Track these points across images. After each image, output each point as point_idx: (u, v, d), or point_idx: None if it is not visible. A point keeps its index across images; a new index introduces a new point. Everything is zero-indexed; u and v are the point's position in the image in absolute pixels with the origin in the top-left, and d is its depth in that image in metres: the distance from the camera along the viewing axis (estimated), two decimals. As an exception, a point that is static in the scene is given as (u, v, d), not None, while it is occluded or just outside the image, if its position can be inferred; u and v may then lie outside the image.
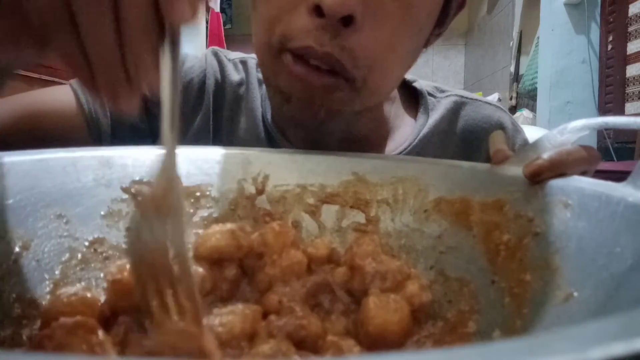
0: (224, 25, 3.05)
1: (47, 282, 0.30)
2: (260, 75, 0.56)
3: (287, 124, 0.52)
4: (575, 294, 0.24)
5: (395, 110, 0.55)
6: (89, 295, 0.28)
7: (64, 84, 0.52)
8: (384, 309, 0.28)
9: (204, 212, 0.36)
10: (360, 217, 0.37)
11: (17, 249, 0.30)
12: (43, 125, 0.49)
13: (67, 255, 0.32)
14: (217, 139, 0.54)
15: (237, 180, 0.38)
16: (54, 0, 0.23)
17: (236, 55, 0.58)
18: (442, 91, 0.58)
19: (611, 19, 1.97)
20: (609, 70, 1.98)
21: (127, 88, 0.24)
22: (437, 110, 0.56)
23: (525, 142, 0.58)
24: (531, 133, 0.62)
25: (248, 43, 0.44)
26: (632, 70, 1.83)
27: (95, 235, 0.33)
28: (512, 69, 2.57)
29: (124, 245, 0.34)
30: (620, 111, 1.87)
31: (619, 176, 0.28)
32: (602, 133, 1.86)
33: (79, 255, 0.32)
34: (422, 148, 0.53)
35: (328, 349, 0.26)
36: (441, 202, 0.35)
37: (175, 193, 0.23)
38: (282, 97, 0.42)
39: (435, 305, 0.31)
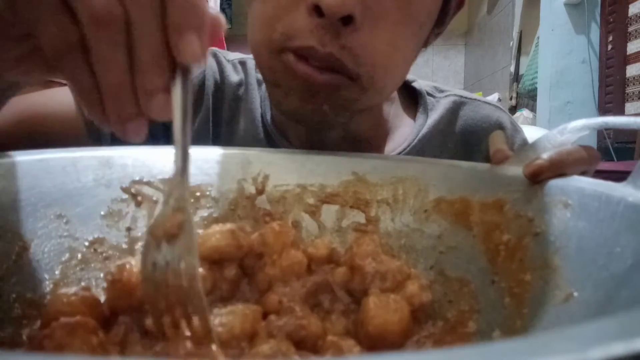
0: (224, 26, 3.05)
1: (47, 282, 0.30)
2: (259, 76, 0.56)
3: (287, 123, 0.52)
4: (575, 294, 0.24)
5: (394, 110, 0.55)
6: (88, 295, 0.28)
7: (64, 84, 0.52)
8: (384, 309, 0.27)
9: (204, 212, 0.36)
10: (360, 217, 0.37)
11: (17, 249, 0.30)
12: (43, 127, 0.49)
13: (67, 255, 0.32)
14: (216, 140, 0.54)
15: (237, 180, 0.38)
16: (66, 29, 0.23)
17: (235, 56, 0.58)
18: (441, 91, 0.58)
19: (611, 19, 1.97)
20: (609, 70, 1.98)
21: (136, 115, 0.24)
22: (436, 110, 0.56)
23: (525, 142, 0.58)
24: (531, 133, 0.62)
25: (248, 43, 0.44)
26: (632, 70, 1.83)
27: (95, 235, 0.33)
28: (512, 69, 2.56)
29: (124, 245, 0.34)
30: (620, 111, 1.87)
31: (619, 176, 0.28)
32: (602, 133, 1.86)
33: (79, 255, 0.32)
34: (422, 148, 0.53)
35: (328, 349, 0.26)
36: (441, 202, 0.35)
37: (185, 216, 0.23)
38: (282, 91, 0.42)
39: (435, 305, 0.31)
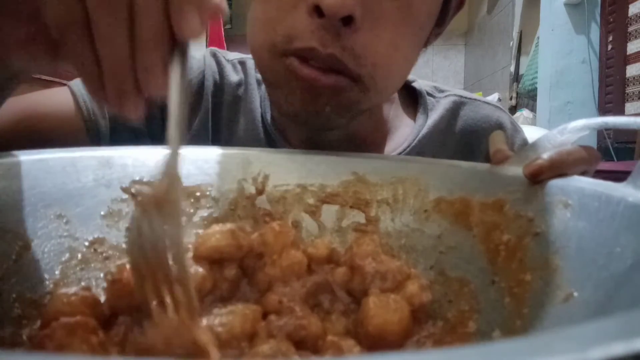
0: (224, 26, 3.05)
1: (47, 282, 0.30)
2: (259, 76, 0.55)
3: (287, 123, 0.52)
4: (575, 294, 0.24)
5: (394, 110, 0.55)
6: (88, 295, 0.28)
7: (64, 84, 0.52)
8: (384, 309, 0.27)
9: (204, 212, 0.36)
10: (360, 217, 0.37)
11: (17, 249, 0.30)
12: (41, 127, 0.49)
13: (67, 255, 0.32)
14: (216, 140, 0.54)
15: (237, 180, 0.38)
16: (72, 9, 0.24)
17: (235, 55, 0.58)
18: (441, 91, 0.58)
19: (611, 19, 1.97)
20: (609, 70, 1.98)
21: (135, 95, 0.25)
22: (436, 111, 0.56)
23: (525, 142, 0.58)
24: (531, 133, 0.62)
25: (248, 45, 0.44)
26: (632, 70, 1.83)
27: (95, 235, 0.33)
28: (512, 69, 2.56)
29: (124, 245, 0.34)
30: (620, 111, 1.87)
31: (619, 176, 0.28)
32: (602, 133, 1.86)
33: (79, 255, 0.32)
34: (421, 148, 0.53)
35: (328, 349, 0.26)
36: (441, 202, 0.35)
37: (176, 192, 0.23)
38: (283, 93, 0.42)
39: (435, 305, 0.31)
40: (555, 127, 0.35)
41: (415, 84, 0.58)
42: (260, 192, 0.38)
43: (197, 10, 0.24)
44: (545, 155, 0.32)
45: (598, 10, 2.04)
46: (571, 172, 0.31)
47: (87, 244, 0.33)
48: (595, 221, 0.26)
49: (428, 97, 0.57)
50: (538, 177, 0.31)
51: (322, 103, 0.40)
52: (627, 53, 1.85)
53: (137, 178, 0.35)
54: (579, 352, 0.10)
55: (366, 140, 0.51)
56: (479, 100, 0.58)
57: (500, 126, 0.56)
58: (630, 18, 1.84)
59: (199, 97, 0.54)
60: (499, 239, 0.31)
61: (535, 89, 2.24)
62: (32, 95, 0.52)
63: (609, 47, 1.98)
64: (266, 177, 0.38)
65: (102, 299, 0.29)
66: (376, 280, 0.30)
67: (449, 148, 0.55)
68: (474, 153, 0.55)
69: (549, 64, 2.12)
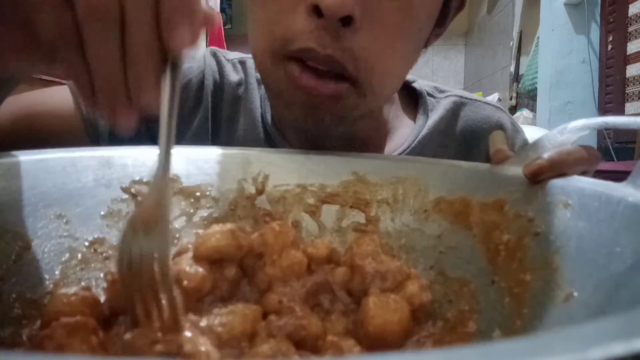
0: (224, 25, 3.05)
1: (47, 282, 0.30)
2: (259, 76, 0.55)
3: (287, 127, 0.52)
4: (575, 294, 0.24)
5: (394, 111, 0.55)
6: (88, 295, 0.28)
7: (64, 84, 0.52)
8: (384, 309, 0.27)
9: (204, 212, 0.36)
10: (360, 217, 0.37)
11: (17, 249, 0.30)
12: (41, 126, 0.49)
13: (67, 255, 0.32)
14: (216, 140, 0.54)
15: (237, 180, 0.38)
16: (62, 18, 0.23)
17: (235, 55, 0.58)
18: (442, 91, 0.58)
19: (611, 19, 1.97)
20: (609, 70, 1.98)
21: (127, 106, 0.25)
22: (437, 111, 0.56)
23: (525, 143, 0.58)
24: (531, 133, 0.62)
25: (248, 43, 0.44)
26: (632, 70, 1.83)
27: (95, 235, 0.33)
28: (512, 69, 2.56)
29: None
30: (620, 111, 1.87)
31: (619, 176, 0.28)
32: (602, 133, 1.86)
33: (79, 255, 0.32)
34: (422, 149, 0.53)
35: (328, 349, 0.26)
36: (441, 202, 0.35)
37: (163, 209, 0.24)
38: (283, 102, 0.42)
39: (435, 305, 0.31)
40: (555, 127, 0.35)
41: (415, 85, 0.58)
42: (260, 192, 0.38)
43: (188, 21, 0.24)
44: (545, 155, 0.32)
45: (598, 10, 2.04)
46: (571, 172, 0.31)
47: (87, 244, 0.33)
48: (595, 221, 0.26)
49: (428, 98, 0.57)
50: (538, 177, 0.31)
51: (321, 113, 0.40)
52: (627, 53, 1.85)
53: (137, 178, 0.35)
54: (579, 352, 0.10)
55: (366, 140, 0.51)
56: (480, 101, 0.58)
57: (500, 127, 0.56)
58: (630, 18, 1.84)
59: (199, 97, 0.54)
60: (499, 239, 0.31)
61: (535, 89, 2.24)
62: (32, 94, 0.52)
63: (609, 47, 1.98)
64: (266, 177, 0.38)
65: (102, 299, 0.29)
66: (376, 280, 0.30)
67: (449, 149, 0.55)
68: (474, 154, 0.55)
69: (549, 64, 2.12)
